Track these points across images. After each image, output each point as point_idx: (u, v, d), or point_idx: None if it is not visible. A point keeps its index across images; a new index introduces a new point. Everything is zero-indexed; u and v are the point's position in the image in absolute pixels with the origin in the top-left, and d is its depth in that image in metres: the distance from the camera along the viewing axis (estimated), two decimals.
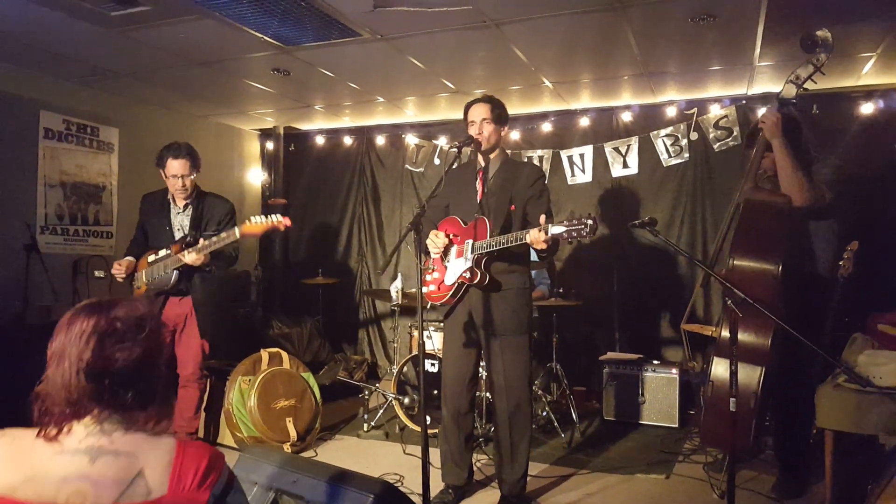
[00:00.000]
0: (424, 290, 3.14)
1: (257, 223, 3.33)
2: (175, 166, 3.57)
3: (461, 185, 3.20)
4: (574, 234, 2.62)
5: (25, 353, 3.98)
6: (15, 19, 3.60)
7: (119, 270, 3.64)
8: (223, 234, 3.42)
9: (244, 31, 3.76)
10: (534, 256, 3.22)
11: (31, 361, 4.35)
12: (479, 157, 3.15)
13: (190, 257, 3.41)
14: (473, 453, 3.44)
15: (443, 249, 3.07)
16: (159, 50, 4.11)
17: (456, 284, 3.02)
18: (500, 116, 3.10)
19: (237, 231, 3.37)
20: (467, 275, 2.96)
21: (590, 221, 2.59)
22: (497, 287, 3.01)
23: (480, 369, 3.55)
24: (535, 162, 5.56)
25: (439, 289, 3.10)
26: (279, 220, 3.36)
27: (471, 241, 2.98)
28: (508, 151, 5.58)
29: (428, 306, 4.58)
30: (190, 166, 3.60)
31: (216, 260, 3.59)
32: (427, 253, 3.12)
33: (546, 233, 2.67)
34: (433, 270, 3.14)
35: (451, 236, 3.10)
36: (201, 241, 3.47)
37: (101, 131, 5.11)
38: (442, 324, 4.65)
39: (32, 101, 4.63)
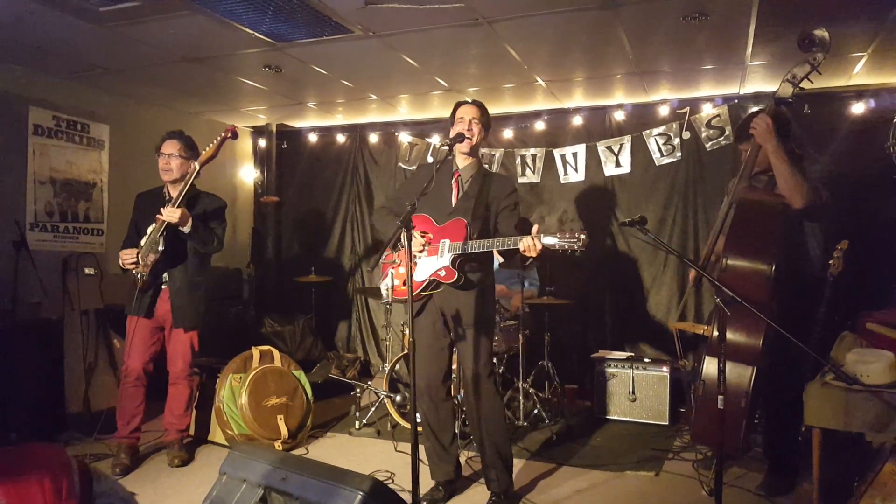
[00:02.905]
0: (391, 284, 3.20)
1: (209, 148, 3.52)
2: (166, 145, 3.70)
3: (435, 185, 3.19)
4: (566, 246, 2.71)
5: (14, 350, 3.98)
6: (3, 14, 3.58)
7: (131, 255, 3.60)
8: (187, 176, 3.55)
9: (235, 28, 3.75)
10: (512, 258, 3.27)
11: (19, 359, 4.36)
12: (457, 158, 3.18)
13: (166, 212, 3.47)
14: (463, 450, 3.45)
15: (422, 249, 3.09)
16: (150, 46, 4.09)
17: (427, 281, 3.06)
18: (487, 122, 3.19)
19: (195, 164, 3.54)
20: (442, 273, 3.01)
21: (583, 236, 2.68)
22: (468, 285, 3.07)
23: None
24: (528, 160, 5.58)
25: (404, 284, 3.12)
26: (225, 133, 3.56)
27: (447, 241, 3.02)
28: (500, 150, 5.62)
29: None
30: (180, 147, 3.68)
31: (197, 223, 3.60)
32: (395, 247, 3.14)
33: (538, 242, 2.74)
34: (399, 265, 3.15)
35: (424, 233, 3.12)
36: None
37: (91, 128, 5.07)
38: None
39: (21, 98, 4.59)
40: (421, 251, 3.08)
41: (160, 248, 3.55)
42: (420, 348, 3.21)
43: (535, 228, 2.78)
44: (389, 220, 3.17)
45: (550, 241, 2.72)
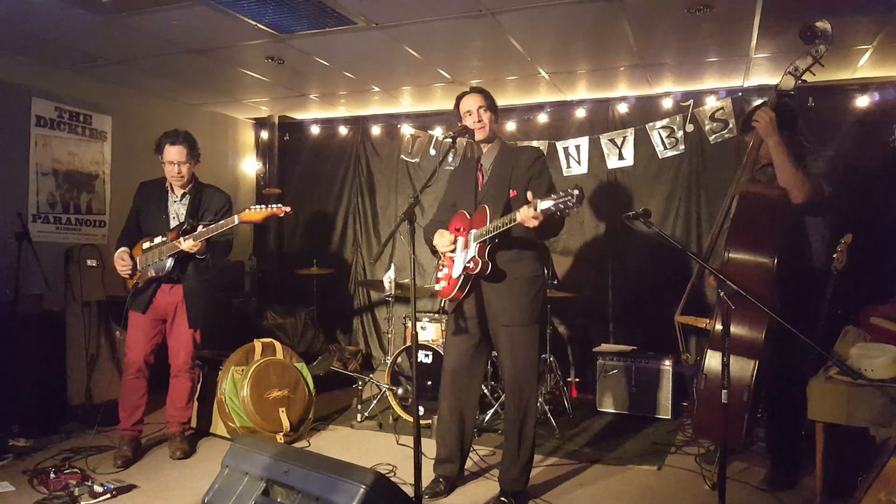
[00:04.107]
0: (436, 287, 3.14)
1: (256, 210, 3.39)
2: (172, 152, 3.60)
3: (464, 181, 3.20)
4: (562, 205, 2.57)
5: (16, 341, 3.98)
6: (6, 5, 3.56)
7: (126, 267, 3.61)
8: (221, 222, 3.45)
9: (238, 19, 3.73)
10: None
11: (21, 350, 4.37)
12: (477, 150, 3.14)
13: (187, 244, 3.42)
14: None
15: (452, 247, 3.05)
16: (152, 37, 4.07)
17: (462, 277, 2.98)
18: (493, 105, 3.11)
19: (236, 218, 3.42)
20: (470, 265, 2.93)
21: (576, 192, 2.54)
22: (502, 276, 2.97)
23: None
24: None
25: (449, 283, 3.07)
26: (279, 208, 3.41)
27: (474, 231, 2.97)
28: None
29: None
30: (187, 154, 3.62)
31: (212, 248, 3.59)
32: (436, 253, 3.16)
33: (535, 208, 2.62)
34: (443, 267, 3.13)
35: (459, 230, 3.08)
36: (199, 227, 3.48)
37: (93, 119, 5.06)
38: (437, 315, 4.67)
39: (24, 88, 4.58)
40: (452, 250, 3.05)
41: (168, 266, 3.53)
42: (450, 343, 3.18)
43: (529, 194, 2.70)
44: (432, 228, 3.20)
45: (546, 204, 2.59)
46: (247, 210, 3.41)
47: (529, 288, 3.02)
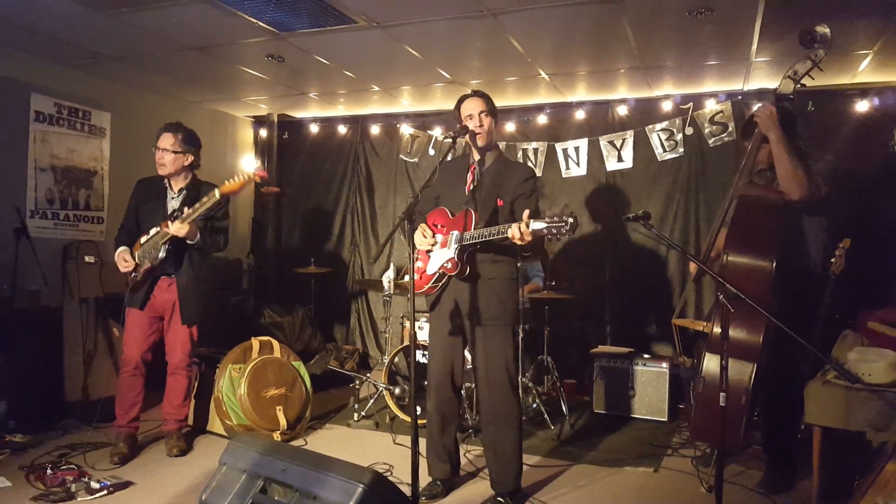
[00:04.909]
0: (407, 278, 3.14)
1: (234, 181, 3.38)
2: (162, 138, 3.63)
3: (453, 178, 3.19)
4: (554, 230, 2.63)
5: (14, 337, 3.97)
6: (6, 1, 3.55)
7: (128, 265, 3.61)
8: (204, 199, 3.44)
9: (238, 16, 3.73)
10: None
11: (19, 346, 4.36)
12: (474, 151, 3.14)
13: (174, 226, 3.43)
14: (463, 444, 3.43)
15: (430, 247, 3.07)
16: (152, 34, 4.06)
17: (437, 274, 3.02)
18: (493, 110, 3.13)
19: (217, 192, 3.41)
20: (448, 265, 2.96)
21: (570, 220, 2.60)
22: (477, 277, 3.01)
23: (467, 360, 3.54)
24: (530, 154, 5.57)
25: (421, 278, 3.10)
26: (254, 174, 3.44)
27: (456, 233, 2.99)
28: (502, 144, 5.60)
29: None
30: (178, 143, 3.62)
31: (205, 236, 3.58)
32: (415, 246, 3.13)
33: (527, 227, 2.67)
34: (417, 259, 3.14)
35: (437, 226, 3.10)
36: (185, 209, 3.48)
37: (92, 115, 5.05)
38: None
39: (23, 84, 4.57)
40: (433, 244, 3.05)
41: (161, 255, 3.53)
42: (433, 342, 3.18)
43: (525, 213, 2.72)
44: (416, 217, 3.17)
45: (538, 225, 2.64)
46: (226, 182, 3.40)
47: (506, 289, 3.06)
